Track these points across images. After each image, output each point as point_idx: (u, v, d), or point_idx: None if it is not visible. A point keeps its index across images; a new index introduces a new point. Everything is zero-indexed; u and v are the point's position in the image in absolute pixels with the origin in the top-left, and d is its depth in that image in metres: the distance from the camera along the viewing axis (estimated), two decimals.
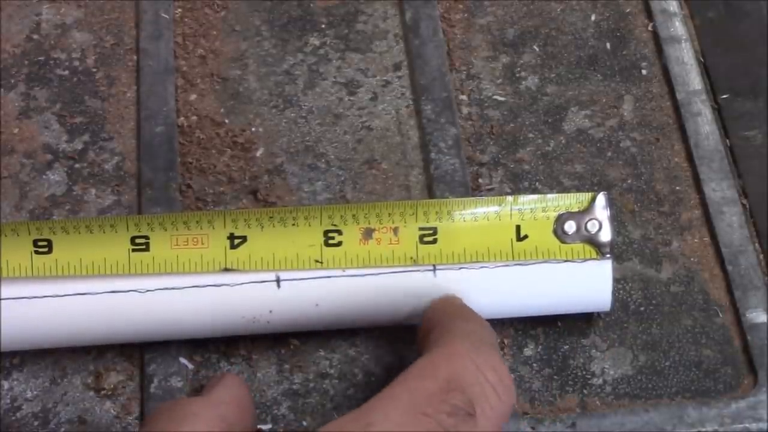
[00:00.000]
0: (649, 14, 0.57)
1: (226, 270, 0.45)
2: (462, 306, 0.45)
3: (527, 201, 0.46)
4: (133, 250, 0.45)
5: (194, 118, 0.53)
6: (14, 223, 0.47)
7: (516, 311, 0.47)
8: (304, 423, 0.46)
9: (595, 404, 0.47)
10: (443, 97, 0.54)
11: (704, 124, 0.53)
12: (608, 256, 0.46)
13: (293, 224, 0.46)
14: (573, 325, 0.48)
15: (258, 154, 0.53)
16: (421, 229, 0.46)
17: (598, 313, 0.48)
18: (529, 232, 0.46)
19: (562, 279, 0.46)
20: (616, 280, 0.48)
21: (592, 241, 0.46)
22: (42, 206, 0.51)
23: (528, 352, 0.48)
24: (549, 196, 0.46)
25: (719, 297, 0.49)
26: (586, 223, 0.46)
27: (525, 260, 0.46)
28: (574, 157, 0.53)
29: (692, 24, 0.57)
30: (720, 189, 0.51)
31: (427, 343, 0.41)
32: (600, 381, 0.47)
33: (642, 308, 0.49)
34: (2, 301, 0.45)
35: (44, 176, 0.52)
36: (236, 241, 0.45)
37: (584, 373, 0.47)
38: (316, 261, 0.46)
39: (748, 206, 0.51)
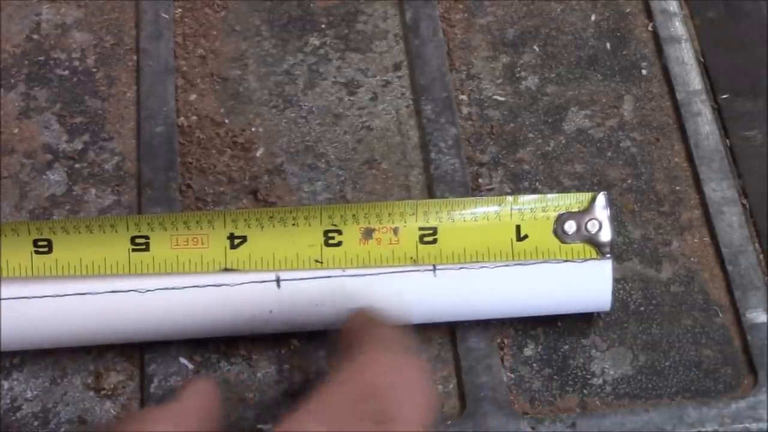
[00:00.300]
0: (649, 14, 0.57)
1: (226, 270, 0.45)
2: (376, 315, 0.44)
3: (527, 201, 0.46)
4: (133, 250, 0.45)
5: (194, 118, 0.53)
6: (14, 223, 0.47)
7: (516, 311, 0.47)
8: None
9: (595, 404, 0.47)
10: (443, 97, 0.54)
11: (704, 124, 0.53)
12: (608, 256, 0.46)
13: (293, 224, 0.46)
14: (573, 325, 0.48)
15: (258, 154, 0.53)
16: (421, 229, 0.46)
17: (598, 313, 0.48)
18: (529, 232, 0.46)
19: (562, 279, 0.46)
20: (616, 280, 0.48)
21: (592, 241, 0.46)
22: (42, 206, 0.51)
23: (528, 352, 0.48)
24: (549, 196, 0.46)
25: (719, 297, 0.49)
26: (586, 223, 0.46)
27: (525, 260, 0.46)
28: (574, 157, 0.53)
29: (692, 24, 0.57)
30: (720, 189, 0.51)
31: (344, 353, 0.42)
32: (600, 381, 0.47)
33: (642, 308, 0.49)
34: (2, 301, 0.45)
35: (44, 176, 0.52)
36: (236, 241, 0.45)
37: (584, 373, 0.47)
38: (316, 261, 0.45)
39: (748, 206, 0.51)
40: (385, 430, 0.37)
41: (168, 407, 0.42)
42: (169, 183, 0.51)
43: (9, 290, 0.45)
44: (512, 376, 0.47)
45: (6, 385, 0.47)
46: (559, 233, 0.46)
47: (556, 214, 0.46)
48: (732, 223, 0.51)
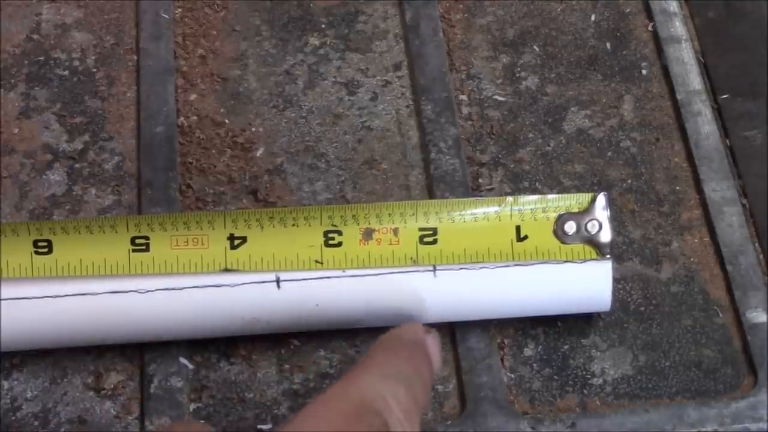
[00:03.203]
0: (649, 14, 0.57)
1: (226, 270, 0.45)
2: (401, 340, 0.42)
3: (527, 201, 0.46)
4: (133, 251, 0.45)
5: (194, 118, 0.53)
6: (14, 223, 0.47)
7: (516, 311, 0.47)
8: None
9: (595, 404, 0.47)
10: (443, 97, 0.54)
11: (704, 124, 0.53)
12: (608, 256, 0.46)
13: (293, 224, 0.46)
14: (573, 325, 0.48)
15: (258, 154, 0.53)
16: (421, 229, 0.46)
17: (598, 313, 0.48)
18: (529, 233, 0.46)
19: (562, 279, 0.46)
20: (616, 280, 0.48)
21: (592, 241, 0.46)
22: (42, 206, 0.51)
23: (528, 352, 0.48)
24: (549, 196, 0.46)
25: (719, 297, 0.49)
26: (586, 223, 0.46)
27: (525, 261, 0.46)
28: (574, 157, 0.53)
29: (692, 24, 0.57)
30: (720, 189, 0.51)
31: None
32: (600, 381, 0.47)
33: (642, 308, 0.49)
34: (2, 301, 0.45)
35: (44, 176, 0.52)
36: (236, 242, 0.45)
37: (584, 373, 0.47)
38: (316, 261, 0.46)
39: (748, 206, 0.51)
40: None
41: None
42: (169, 183, 0.51)
43: (9, 290, 0.45)
44: (512, 376, 0.47)
45: (6, 385, 0.47)
46: (559, 234, 0.46)
47: (556, 214, 0.46)
48: (732, 223, 0.51)
